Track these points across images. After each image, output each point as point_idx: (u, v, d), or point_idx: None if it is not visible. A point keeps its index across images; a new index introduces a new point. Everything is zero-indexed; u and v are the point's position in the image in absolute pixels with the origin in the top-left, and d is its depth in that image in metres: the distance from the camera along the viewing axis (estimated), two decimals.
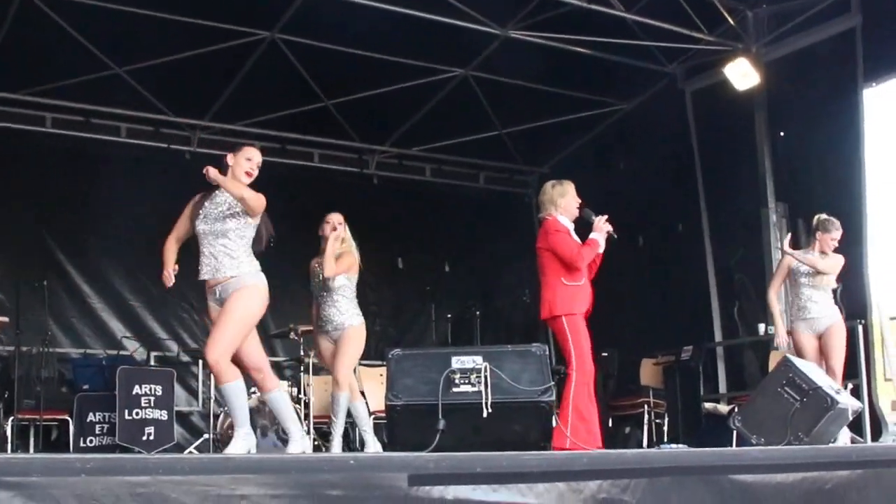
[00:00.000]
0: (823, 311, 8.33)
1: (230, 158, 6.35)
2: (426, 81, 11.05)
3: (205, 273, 6.22)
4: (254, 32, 9.97)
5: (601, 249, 7.36)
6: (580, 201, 7.48)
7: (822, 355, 8.24)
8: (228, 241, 6.18)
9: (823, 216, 8.64)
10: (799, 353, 8.21)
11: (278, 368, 11.47)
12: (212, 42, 9.83)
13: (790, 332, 8.43)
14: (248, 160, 6.36)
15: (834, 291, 8.56)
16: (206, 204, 6.24)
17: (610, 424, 11.01)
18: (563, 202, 7.47)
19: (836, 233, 8.44)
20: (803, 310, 8.34)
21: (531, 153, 13.09)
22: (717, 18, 10.38)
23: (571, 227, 7.45)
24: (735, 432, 7.61)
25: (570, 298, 7.25)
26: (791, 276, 8.45)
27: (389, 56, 10.37)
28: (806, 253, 8.46)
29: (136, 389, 9.19)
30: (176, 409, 9.82)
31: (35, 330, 9.64)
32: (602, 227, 7.33)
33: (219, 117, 11.32)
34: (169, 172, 10.45)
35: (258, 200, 6.20)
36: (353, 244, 8.10)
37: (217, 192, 6.23)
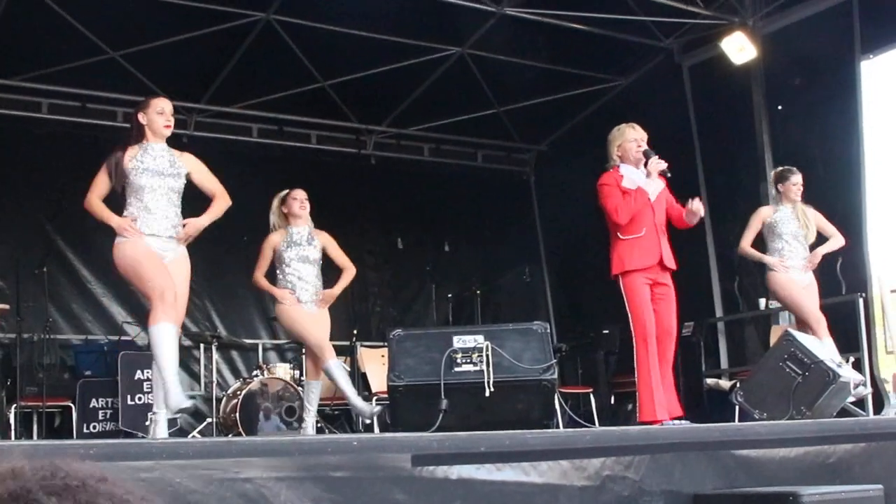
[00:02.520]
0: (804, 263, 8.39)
1: (141, 117, 6.18)
2: (423, 60, 11.02)
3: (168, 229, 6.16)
4: (249, 14, 9.93)
5: (653, 196, 7.00)
6: (640, 142, 7.14)
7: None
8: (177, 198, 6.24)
9: (777, 168, 8.67)
10: (790, 294, 8.25)
11: (279, 351, 11.50)
12: (207, 24, 9.79)
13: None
14: (160, 114, 6.18)
15: (835, 265, 8.57)
16: (144, 158, 6.12)
17: (612, 402, 11.04)
18: (618, 150, 7.17)
19: (796, 177, 8.43)
20: (786, 258, 8.34)
21: (529, 131, 13.07)
22: None
23: (641, 173, 7.07)
24: (737, 407, 7.62)
25: (626, 255, 6.93)
26: (770, 230, 8.41)
27: (385, 35, 10.33)
28: (776, 208, 8.43)
29: (139, 374, 9.19)
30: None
31: (36, 317, 9.65)
32: (653, 171, 6.98)
33: (215, 100, 11.29)
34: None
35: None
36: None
37: (150, 146, 6.15)
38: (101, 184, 6.11)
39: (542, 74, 11.45)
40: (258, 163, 11.55)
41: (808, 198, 8.93)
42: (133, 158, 6.09)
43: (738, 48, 10.30)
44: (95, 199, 6.09)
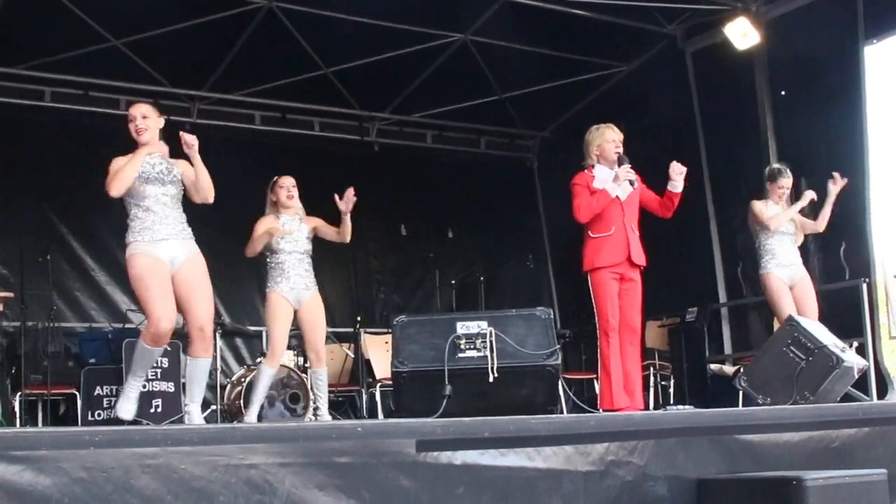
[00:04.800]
0: (797, 260, 8.47)
1: (131, 127, 6.34)
2: (425, 47, 10.99)
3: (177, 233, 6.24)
4: (251, 1, 9.91)
5: (622, 196, 7.32)
6: (618, 143, 7.43)
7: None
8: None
9: (774, 165, 8.70)
10: (776, 294, 8.31)
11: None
12: (209, 12, 9.78)
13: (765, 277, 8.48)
14: (130, 122, 6.31)
15: (838, 250, 8.59)
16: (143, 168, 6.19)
17: None
18: (597, 149, 7.47)
19: (783, 180, 8.49)
20: (776, 256, 8.39)
21: (532, 117, 13.05)
22: None
23: (611, 174, 7.36)
24: (741, 392, 7.63)
25: (595, 252, 7.30)
26: (762, 227, 8.47)
27: (388, 22, 10.31)
28: (767, 204, 8.48)
29: None
30: (183, 381, 9.85)
31: (40, 305, 9.66)
32: (620, 175, 7.27)
33: (218, 87, 11.28)
34: (169, 143, 10.40)
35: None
36: None
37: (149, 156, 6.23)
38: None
39: (544, 61, 11.42)
40: (261, 150, 11.54)
41: (812, 184, 8.93)
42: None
43: (742, 34, 10.28)
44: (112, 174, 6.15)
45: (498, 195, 13.03)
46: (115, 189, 6.09)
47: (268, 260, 7.79)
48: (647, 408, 7.45)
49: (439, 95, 12.02)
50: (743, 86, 10.74)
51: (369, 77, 11.30)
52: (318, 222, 7.99)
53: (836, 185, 8.54)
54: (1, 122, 10.26)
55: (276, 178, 7.95)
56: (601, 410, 7.12)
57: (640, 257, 7.39)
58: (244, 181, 9.34)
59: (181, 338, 10.36)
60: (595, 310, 7.22)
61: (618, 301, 7.25)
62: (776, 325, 8.35)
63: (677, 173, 7.40)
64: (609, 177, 7.33)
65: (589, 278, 7.29)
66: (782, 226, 8.45)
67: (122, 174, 6.08)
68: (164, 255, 6.12)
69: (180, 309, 6.20)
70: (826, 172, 8.89)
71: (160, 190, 6.20)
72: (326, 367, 8.03)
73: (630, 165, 7.33)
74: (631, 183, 7.33)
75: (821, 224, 8.66)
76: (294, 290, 7.69)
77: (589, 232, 7.36)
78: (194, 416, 6.34)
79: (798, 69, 10.29)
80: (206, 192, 6.33)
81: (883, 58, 9.79)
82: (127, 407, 6.25)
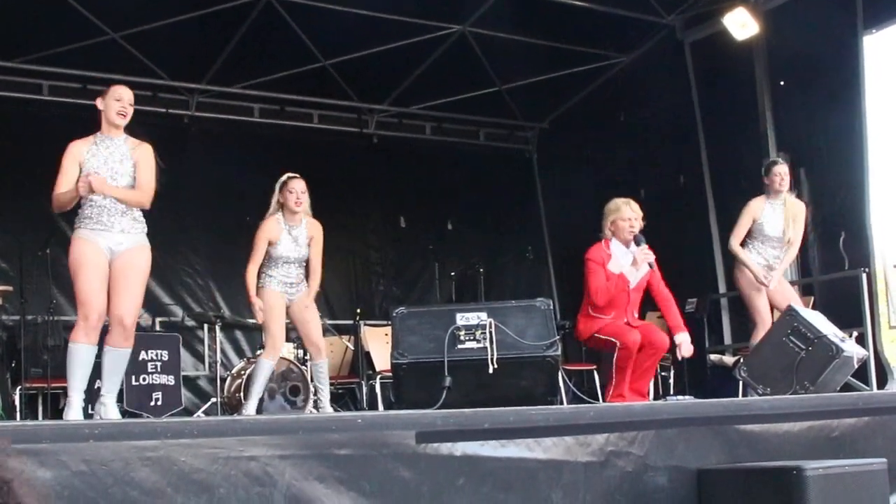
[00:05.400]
0: (774, 263, 8.44)
1: (100, 103, 6.18)
2: (424, 39, 10.98)
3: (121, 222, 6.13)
4: None
5: (633, 284, 7.40)
6: (633, 222, 7.46)
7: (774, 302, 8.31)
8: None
9: (767, 160, 8.71)
10: (749, 295, 8.32)
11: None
12: (207, 4, 9.76)
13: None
14: (117, 101, 6.16)
15: (838, 240, 8.58)
16: (98, 152, 6.13)
17: None
18: (611, 225, 7.53)
19: (778, 167, 8.46)
20: (754, 250, 8.36)
21: (531, 109, 13.03)
22: None
23: (626, 254, 7.42)
24: (741, 383, 7.63)
25: (591, 327, 7.42)
26: (754, 227, 8.42)
27: (386, 14, 10.29)
28: (764, 206, 8.41)
29: (143, 355, 9.21)
30: (183, 373, 9.86)
31: (39, 298, 9.65)
32: (639, 259, 7.34)
33: (216, 80, 11.27)
34: (167, 137, 10.42)
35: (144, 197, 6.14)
36: None
37: (105, 140, 6.17)
38: (61, 181, 6.15)
39: (543, 52, 11.41)
40: (260, 143, 11.53)
41: (812, 173, 8.92)
42: (86, 152, 6.10)
43: (741, 24, 10.27)
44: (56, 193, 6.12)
45: (497, 187, 13.03)
46: (55, 207, 6.17)
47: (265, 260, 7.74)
48: (647, 398, 7.45)
49: (438, 87, 12.01)
50: (742, 76, 10.73)
51: (368, 69, 11.29)
52: (315, 233, 7.82)
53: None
54: None
55: (286, 177, 7.75)
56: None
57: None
58: (243, 174, 9.36)
59: (179, 330, 10.40)
60: (616, 342, 7.27)
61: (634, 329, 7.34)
62: (775, 315, 8.34)
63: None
64: (624, 257, 7.40)
65: (594, 337, 7.47)
66: (741, 258, 8.34)
67: (58, 200, 6.15)
68: (104, 243, 6.03)
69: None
70: (825, 162, 8.89)
71: (109, 179, 6.07)
72: (327, 359, 8.02)
73: (647, 246, 7.40)
74: (650, 265, 7.40)
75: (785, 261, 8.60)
76: (287, 291, 7.67)
77: (588, 308, 7.46)
78: (109, 409, 6.14)
79: (797, 59, 10.28)
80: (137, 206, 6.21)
81: (882, 48, 9.80)
82: (75, 415, 6.12)
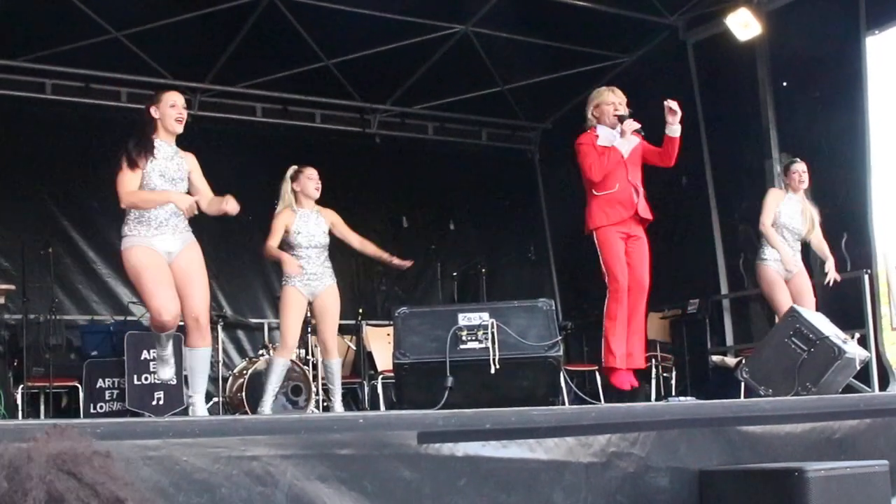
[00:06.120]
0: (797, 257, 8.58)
1: (154, 111, 6.18)
2: (426, 38, 10.99)
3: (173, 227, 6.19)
4: None
5: (626, 154, 7.35)
6: (617, 106, 7.44)
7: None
8: None
9: (785, 160, 8.81)
10: (772, 284, 8.35)
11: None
12: (210, 4, 9.76)
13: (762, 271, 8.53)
14: (172, 107, 6.18)
15: (840, 241, 8.60)
16: (156, 161, 6.13)
17: None
18: (595, 110, 7.50)
19: (796, 165, 8.66)
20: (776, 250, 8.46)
21: (533, 109, 13.04)
22: None
23: (614, 133, 7.38)
24: (743, 384, 7.63)
25: (600, 210, 7.33)
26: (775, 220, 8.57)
27: (389, 14, 10.30)
28: (783, 196, 8.59)
29: (145, 354, 9.21)
30: (184, 373, 9.86)
31: (42, 298, 9.65)
32: (627, 130, 7.28)
33: (219, 80, 11.27)
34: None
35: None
36: None
37: (161, 146, 6.17)
38: (128, 179, 6.06)
39: (546, 52, 11.41)
40: (262, 142, 11.54)
41: (814, 174, 8.91)
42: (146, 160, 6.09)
43: (743, 24, 10.27)
44: (129, 192, 6.05)
45: (499, 187, 13.03)
46: (127, 205, 6.07)
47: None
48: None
49: (441, 87, 12.02)
50: (744, 77, 10.73)
51: (371, 69, 11.30)
52: (334, 218, 7.97)
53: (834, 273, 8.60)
54: (2, 114, 10.26)
55: (297, 167, 7.93)
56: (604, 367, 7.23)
57: (646, 212, 7.46)
58: (245, 173, 9.35)
59: (181, 330, 10.39)
60: (604, 268, 7.28)
61: (625, 259, 7.31)
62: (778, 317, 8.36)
63: (673, 114, 7.32)
64: (612, 135, 7.37)
65: (595, 237, 7.34)
66: (773, 238, 8.46)
67: (144, 202, 6.04)
68: (160, 247, 6.08)
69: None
70: (827, 163, 8.90)
71: (169, 187, 6.13)
72: (339, 359, 8.08)
73: (633, 118, 7.36)
74: (638, 132, 7.36)
75: (826, 257, 8.74)
76: (309, 284, 7.70)
77: (593, 190, 7.38)
78: (198, 407, 6.32)
79: (799, 60, 10.27)
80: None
81: (884, 49, 9.79)
82: (165, 370, 6.69)
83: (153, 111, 6.18)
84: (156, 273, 6.02)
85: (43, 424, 3.67)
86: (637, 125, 7.31)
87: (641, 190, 7.45)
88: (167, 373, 6.71)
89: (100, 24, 9.81)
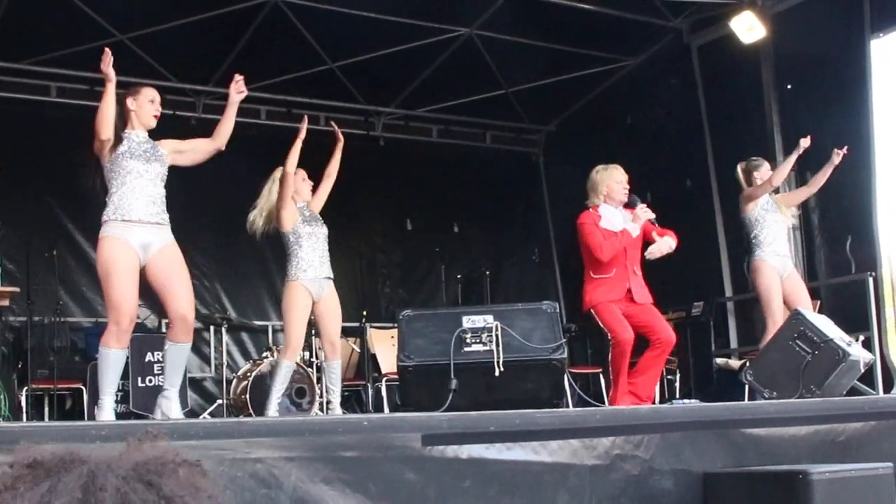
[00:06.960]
0: (788, 251, 8.58)
1: (131, 102, 6.22)
2: (431, 41, 10.99)
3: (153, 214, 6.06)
4: None
5: (634, 234, 7.44)
6: (627, 185, 7.53)
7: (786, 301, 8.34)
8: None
9: (744, 162, 8.82)
10: (769, 284, 8.33)
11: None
12: (215, 7, 9.78)
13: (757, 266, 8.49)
14: (151, 102, 6.27)
15: (845, 243, 8.58)
16: (129, 144, 6.13)
17: None
18: (606, 188, 7.54)
19: (761, 163, 8.75)
20: (772, 244, 8.41)
21: (538, 111, 13.04)
22: None
23: (619, 214, 7.46)
24: (747, 386, 7.62)
25: (595, 291, 7.42)
26: (755, 219, 8.55)
27: (393, 17, 10.30)
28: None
29: (149, 357, 9.22)
30: (189, 375, 9.86)
31: (46, 300, 9.67)
32: (640, 216, 7.40)
33: (223, 82, 11.25)
34: (174, 138, 10.41)
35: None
36: None
37: (134, 134, 6.21)
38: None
39: (550, 55, 11.41)
40: (266, 145, 11.52)
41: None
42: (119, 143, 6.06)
43: (748, 27, 10.26)
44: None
45: (504, 189, 13.03)
46: (103, 129, 6.02)
47: (288, 251, 7.79)
48: (653, 401, 7.47)
49: (445, 90, 12.02)
50: (748, 79, 10.72)
51: (375, 72, 11.30)
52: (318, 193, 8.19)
53: (837, 157, 8.51)
54: (7, 117, 10.28)
55: (294, 168, 8.11)
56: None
57: (643, 296, 7.52)
58: (249, 176, 9.33)
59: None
60: (609, 335, 7.31)
61: (644, 322, 7.40)
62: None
63: (637, 219, 7.51)
64: (614, 216, 7.46)
65: (595, 314, 7.41)
66: (783, 177, 8.49)
67: (102, 114, 6.04)
68: (138, 242, 5.90)
69: (161, 300, 6.09)
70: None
71: (143, 167, 6.06)
72: (340, 360, 8.08)
73: (647, 203, 7.52)
74: (652, 222, 7.49)
75: (813, 186, 8.73)
76: (316, 280, 7.65)
77: (590, 272, 7.49)
78: (173, 401, 6.16)
79: (804, 63, 10.27)
80: (224, 136, 6.58)
81: (889, 51, 9.77)
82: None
83: (129, 102, 6.22)
84: (125, 275, 5.81)
85: (49, 427, 3.68)
86: (652, 215, 7.48)
87: (639, 272, 7.55)
88: (174, 412, 6.27)
89: (104, 28, 9.82)
